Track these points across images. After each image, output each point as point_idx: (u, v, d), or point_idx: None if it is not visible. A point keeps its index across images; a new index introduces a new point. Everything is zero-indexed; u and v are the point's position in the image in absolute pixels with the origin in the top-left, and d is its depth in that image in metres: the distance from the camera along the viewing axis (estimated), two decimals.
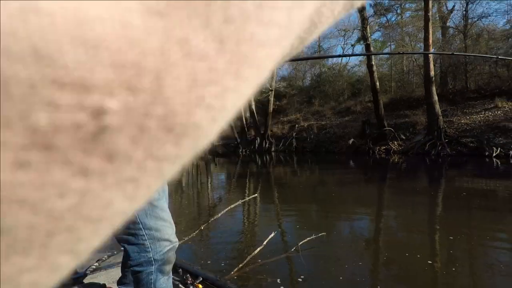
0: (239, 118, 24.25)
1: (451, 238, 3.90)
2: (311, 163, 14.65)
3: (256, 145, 22.06)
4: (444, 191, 7.27)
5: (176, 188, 8.70)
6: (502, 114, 13.44)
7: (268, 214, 5.73)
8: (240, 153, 22.28)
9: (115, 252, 3.07)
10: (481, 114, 14.19)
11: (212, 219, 3.36)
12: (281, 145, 20.79)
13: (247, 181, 10.56)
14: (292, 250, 3.57)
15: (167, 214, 1.35)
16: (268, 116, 21.69)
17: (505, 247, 3.68)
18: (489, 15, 20.22)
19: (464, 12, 19.50)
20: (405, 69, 22.79)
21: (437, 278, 2.93)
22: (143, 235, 1.26)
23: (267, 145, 21.35)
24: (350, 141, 16.53)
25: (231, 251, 3.69)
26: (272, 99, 21.27)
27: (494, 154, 11.28)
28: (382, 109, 15.90)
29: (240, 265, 3.13)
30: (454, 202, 6.12)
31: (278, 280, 2.90)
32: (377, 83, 16.12)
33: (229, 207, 3.56)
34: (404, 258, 3.38)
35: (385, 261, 3.47)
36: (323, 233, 3.92)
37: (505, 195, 6.41)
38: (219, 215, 3.44)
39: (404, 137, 14.85)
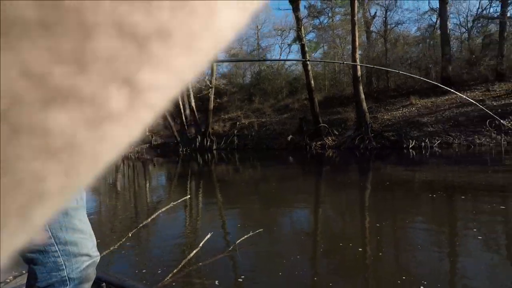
0: (178, 116, 23.47)
1: (378, 225, 4.32)
2: (253, 160, 14.90)
3: (197, 144, 21.62)
4: (371, 182, 8.01)
5: (110, 192, 8.09)
6: (415, 110, 15.31)
7: (209, 214, 5.67)
8: (181, 152, 21.62)
9: (24, 272, 2.61)
10: (400, 110, 15.97)
11: (141, 224, 3.13)
12: (222, 143, 20.72)
13: (188, 180, 10.30)
14: (230, 249, 3.59)
15: (86, 225, 1.18)
16: (208, 114, 21.39)
17: (421, 228, 4.20)
18: (404, 23, 22.94)
19: (384, 18, 21.71)
20: (337, 69, 24.48)
21: (367, 264, 3.22)
22: (56, 251, 1.08)
23: (208, 143, 21.08)
24: (289, 138, 17.22)
25: (169, 256, 3.55)
26: (212, 96, 21.04)
27: (410, 146, 12.80)
28: (317, 107, 16.86)
29: (175, 271, 3.02)
30: (380, 191, 6.79)
31: (217, 282, 2.88)
32: (312, 82, 17.04)
33: (158, 212, 3.36)
34: (338, 248, 3.64)
35: (322, 252, 3.70)
36: (260, 230, 4.01)
37: (420, 182, 7.32)
38: (149, 220, 3.22)
39: (337, 133, 15.98)
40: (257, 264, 3.37)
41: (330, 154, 13.88)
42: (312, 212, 5.64)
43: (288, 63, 27.77)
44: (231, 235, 4.17)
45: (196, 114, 22.26)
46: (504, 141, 11.29)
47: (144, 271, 3.20)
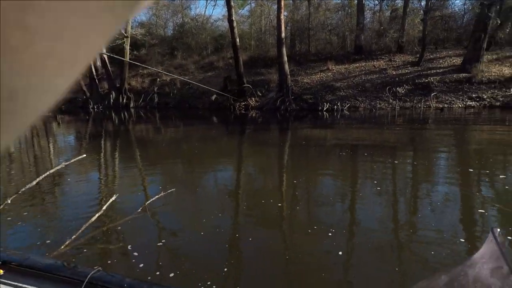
0: (87, 68, 20.61)
1: (295, 181, 4.71)
2: (175, 119, 14.34)
3: (111, 101, 19.64)
4: (290, 141, 8.58)
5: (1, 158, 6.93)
6: (331, 76, 16.52)
7: (126, 176, 5.37)
8: (91, 109, 19.43)
9: None
10: (318, 74, 17.01)
11: (23, 189, 2.72)
12: (141, 100, 19.26)
13: (103, 141, 9.45)
14: (139, 210, 3.53)
15: None
16: (124, 67, 19.33)
17: (331, 183, 4.75)
18: None
19: None
20: (263, 29, 24.28)
21: (284, 217, 3.53)
22: None
23: (124, 101, 19.34)
24: (213, 97, 16.92)
25: (77, 223, 3.30)
26: (128, 47, 18.88)
27: (324, 109, 13.95)
28: (241, 66, 16.73)
29: (74, 237, 2.84)
30: (297, 149, 7.35)
31: (130, 247, 2.82)
32: (238, 40, 16.66)
33: (46, 174, 2.94)
34: (259, 204, 3.89)
35: (243, 209, 3.90)
36: (172, 190, 4.04)
37: (331, 141, 8.14)
38: (34, 183, 2.78)
39: (260, 94, 16.32)
40: (178, 224, 3.39)
41: (253, 115, 14.22)
42: (235, 171, 5.82)
43: (213, 17, 26.38)
44: (152, 196, 4.06)
45: (110, 67, 19.90)
46: (397, 106, 13.15)
47: (48, 241, 2.92)
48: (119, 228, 3.21)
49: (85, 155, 4.08)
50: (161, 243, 2.90)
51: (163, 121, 14.09)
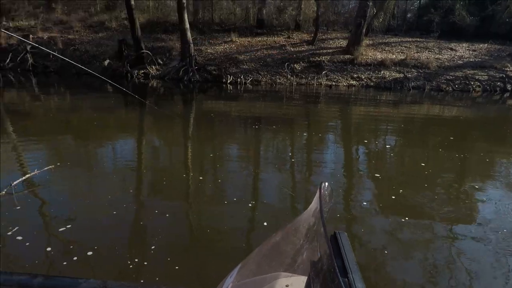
0: None
1: (200, 154, 4.75)
2: (59, 87, 12.32)
3: None
4: (194, 113, 8.46)
5: None
6: (235, 48, 16.61)
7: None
8: None
9: None
10: (222, 46, 16.85)
11: None
12: (8, 61, 15.67)
13: None
14: (3, 193, 3.12)
15: None
16: None
17: (234, 155, 4.97)
18: None
19: None
20: None
21: (192, 188, 3.57)
22: None
23: None
24: (106, 63, 15.03)
25: None
26: None
27: (228, 81, 14.10)
28: (138, 29, 15.19)
29: None
30: (202, 121, 7.33)
31: None
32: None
33: None
34: (167, 176, 3.81)
35: (147, 185, 3.77)
36: (50, 166, 3.68)
37: (235, 113, 8.38)
38: None
39: (161, 62, 15.27)
40: (65, 203, 3.08)
41: (154, 84, 13.34)
42: (136, 144, 5.48)
43: None
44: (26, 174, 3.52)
45: None
46: (294, 82, 14.29)
47: None
48: None
49: None
50: (18, 233, 2.60)
51: (43, 88, 11.92)
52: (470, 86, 13.61)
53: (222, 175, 3.99)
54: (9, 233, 2.50)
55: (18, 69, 15.57)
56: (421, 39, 17.91)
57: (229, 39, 17.32)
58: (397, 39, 18.07)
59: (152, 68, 15.01)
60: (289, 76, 14.54)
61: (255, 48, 16.53)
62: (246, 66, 15.08)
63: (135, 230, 2.74)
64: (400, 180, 4.01)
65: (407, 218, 2.98)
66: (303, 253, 0.70)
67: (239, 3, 20.81)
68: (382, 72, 14.58)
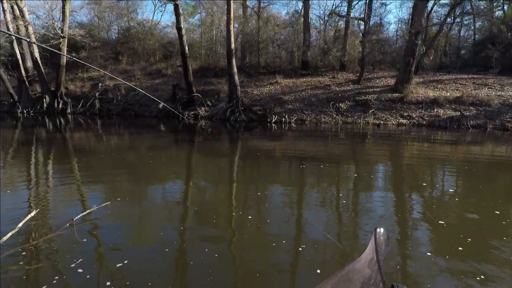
0: (15, 68, 18.49)
1: (244, 192, 4.72)
2: (119, 127, 13.51)
3: (45, 105, 17.84)
4: (240, 151, 8.62)
5: None
6: (280, 89, 17.12)
7: (61, 188, 4.88)
8: (20, 114, 17.41)
9: None
10: (267, 87, 17.50)
11: None
12: (80, 106, 17.80)
13: (33, 148, 8.49)
14: (64, 227, 3.29)
15: None
16: (60, 70, 17.72)
17: (279, 192, 4.85)
18: (275, 3, 24.87)
19: None
20: (213, 38, 24.31)
21: (235, 226, 3.50)
22: None
23: (61, 106, 17.70)
24: (161, 105, 16.34)
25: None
26: (65, 48, 17.37)
27: (273, 121, 14.35)
28: (191, 75, 16.49)
29: None
30: (247, 159, 7.40)
31: (52, 268, 2.58)
32: (186, 48, 16.40)
33: None
34: (211, 213, 3.81)
35: (199, 221, 3.79)
36: (107, 203, 3.89)
37: (279, 152, 8.36)
38: None
39: (210, 104, 16.20)
40: (115, 240, 3.16)
41: (203, 124, 14.04)
42: (185, 181, 5.65)
43: (162, 23, 25.66)
44: (86, 210, 3.73)
45: (43, 68, 18.11)
46: (340, 121, 14.08)
47: None
48: (40, 247, 2.92)
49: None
50: (80, 265, 2.67)
51: (106, 129, 13.17)
52: None
53: (271, 216, 3.86)
54: (73, 265, 2.62)
55: (87, 113, 17.54)
56: (478, 76, 16.87)
57: (274, 80, 17.94)
58: (450, 76, 17.24)
59: (202, 109, 15.93)
60: (334, 115, 14.40)
61: (300, 89, 16.85)
62: (291, 106, 15.31)
63: (186, 269, 2.70)
64: (469, 229, 3.53)
65: (481, 277, 2.56)
66: None
67: (285, 47, 21.80)
68: (435, 110, 13.81)
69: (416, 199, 4.66)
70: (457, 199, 4.54)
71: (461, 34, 21.59)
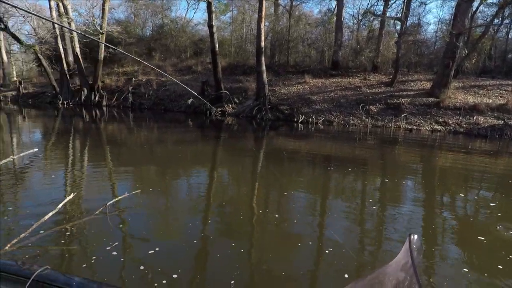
0: (58, 62, 19.63)
1: (265, 190, 4.70)
2: (149, 121, 13.96)
3: (83, 98, 18.81)
4: (265, 149, 8.60)
5: None
6: (308, 88, 16.89)
7: (95, 175, 5.11)
8: (60, 105, 18.47)
9: None
10: (295, 86, 17.33)
11: None
12: (114, 99, 18.59)
13: (71, 138, 8.98)
14: (97, 212, 3.44)
15: None
16: (98, 64, 18.61)
17: (302, 192, 4.78)
18: (308, 2, 24.45)
19: None
20: (243, 36, 24.45)
21: (261, 224, 3.50)
22: None
23: (97, 98, 18.59)
24: (190, 101, 16.70)
25: (24, 221, 3.09)
26: (103, 44, 18.19)
27: (300, 121, 14.19)
28: (220, 72, 16.69)
29: (22, 236, 2.74)
30: (272, 158, 7.37)
31: (83, 250, 2.71)
32: (217, 45, 16.61)
33: None
34: (237, 209, 3.83)
35: (216, 214, 3.83)
36: (137, 191, 4.04)
37: (304, 153, 8.26)
38: None
39: (237, 101, 16.31)
40: (141, 229, 3.26)
41: (230, 121, 14.17)
42: (209, 176, 5.73)
43: (194, 21, 26.19)
44: (117, 197, 3.88)
45: (82, 63, 19.10)
46: (369, 124, 13.66)
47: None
48: (76, 228, 3.11)
49: (36, 149, 3.98)
50: (114, 249, 2.78)
51: (137, 122, 13.66)
52: None
53: (298, 216, 3.81)
54: (108, 247, 2.77)
55: (121, 106, 18.28)
56: None
57: (303, 80, 17.73)
58: (494, 81, 16.14)
59: (229, 106, 16.07)
60: (363, 118, 14.00)
61: (329, 89, 16.53)
62: (319, 107, 15.07)
63: (213, 262, 2.75)
64: (511, 247, 3.29)
65: None
66: None
67: (315, 46, 21.47)
68: (475, 118, 13.01)
69: (452, 212, 4.41)
70: (499, 214, 4.25)
71: (509, 36, 20.15)
